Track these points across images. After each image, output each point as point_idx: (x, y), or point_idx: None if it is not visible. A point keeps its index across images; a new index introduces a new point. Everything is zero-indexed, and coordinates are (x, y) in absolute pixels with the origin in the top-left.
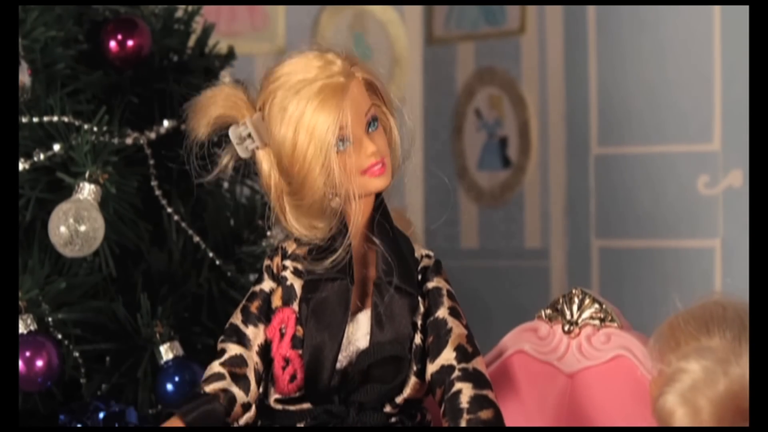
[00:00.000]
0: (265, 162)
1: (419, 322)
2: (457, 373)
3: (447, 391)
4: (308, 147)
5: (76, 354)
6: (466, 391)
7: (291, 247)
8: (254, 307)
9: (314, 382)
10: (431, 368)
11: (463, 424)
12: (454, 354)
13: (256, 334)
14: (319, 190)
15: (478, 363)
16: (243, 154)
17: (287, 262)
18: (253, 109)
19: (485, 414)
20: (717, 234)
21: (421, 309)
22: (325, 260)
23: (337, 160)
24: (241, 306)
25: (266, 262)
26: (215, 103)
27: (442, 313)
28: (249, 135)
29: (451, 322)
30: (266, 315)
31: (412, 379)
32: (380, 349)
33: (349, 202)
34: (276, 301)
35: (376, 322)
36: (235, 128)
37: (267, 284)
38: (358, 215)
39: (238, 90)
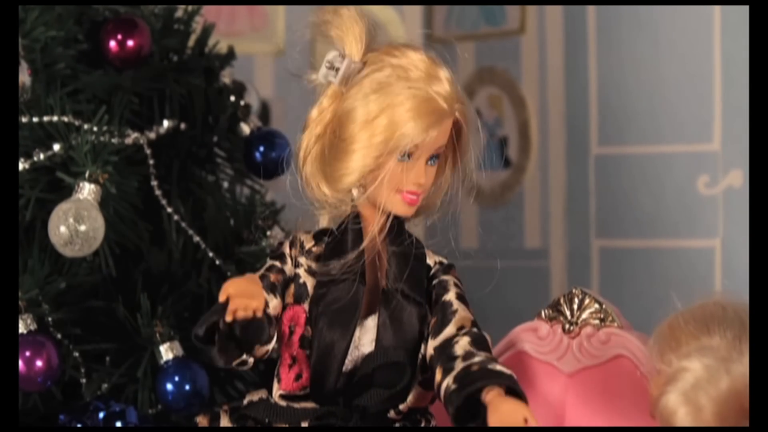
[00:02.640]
0: (328, 99)
1: (427, 332)
2: (458, 336)
3: (447, 356)
4: (379, 134)
5: (76, 354)
6: (462, 343)
7: (309, 243)
8: (274, 277)
9: (319, 383)
10: (432, 344)
11: (458, 366)
12: (456, 329)
13: (272, 300)
14: (354, 171)
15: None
16: (320, 78)
17: (302, 259)
18: (360, 51)
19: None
20: (717, 234)
21: (430, 318)
22: (338, 260)
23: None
24: (259, 274)
25: (286, 248)
26: (348, 27)
27: (449, 297)
28: (338, 69)
29: (457, 305)
30: (282, 292)
31: (416, 389)
32: (385, 353)
33: (370, 207)
34: (288, 297)
35: (383, 327)
36: (335, 54)
37: (288, 267)
38: (377, 222)
39: (366, 27)
